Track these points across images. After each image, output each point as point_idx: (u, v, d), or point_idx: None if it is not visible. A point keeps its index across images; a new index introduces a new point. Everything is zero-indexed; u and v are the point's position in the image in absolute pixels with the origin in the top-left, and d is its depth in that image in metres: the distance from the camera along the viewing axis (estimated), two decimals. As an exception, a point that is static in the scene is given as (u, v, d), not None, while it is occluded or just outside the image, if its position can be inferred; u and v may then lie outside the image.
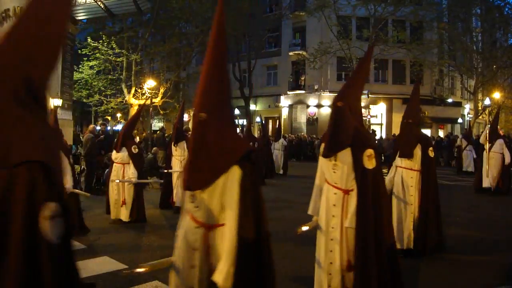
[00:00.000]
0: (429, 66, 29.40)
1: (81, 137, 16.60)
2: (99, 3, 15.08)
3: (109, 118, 33.95)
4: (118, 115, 36.12)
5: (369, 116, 28.73)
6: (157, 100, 23.86)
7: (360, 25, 29.98)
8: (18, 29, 1.82)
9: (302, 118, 32.65)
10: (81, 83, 26.90)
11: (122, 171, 7.71)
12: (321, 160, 3.75)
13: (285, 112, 33.27)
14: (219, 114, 2.44)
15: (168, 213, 8.72)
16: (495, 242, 6.73)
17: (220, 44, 2.50)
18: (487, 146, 11.46)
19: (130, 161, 7.65)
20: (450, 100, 33.08)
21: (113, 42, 23.15)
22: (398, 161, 5.79)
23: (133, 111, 23.73)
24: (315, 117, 31.88)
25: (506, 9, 29.81)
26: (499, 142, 11.51)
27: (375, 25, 27.76)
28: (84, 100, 28.51)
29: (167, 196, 9.20)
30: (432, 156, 5.65)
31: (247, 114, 32.27)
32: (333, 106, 3.70)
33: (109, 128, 34.66)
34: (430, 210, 5.57)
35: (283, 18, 32.16)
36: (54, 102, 15.01)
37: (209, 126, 2.41)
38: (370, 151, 3.48)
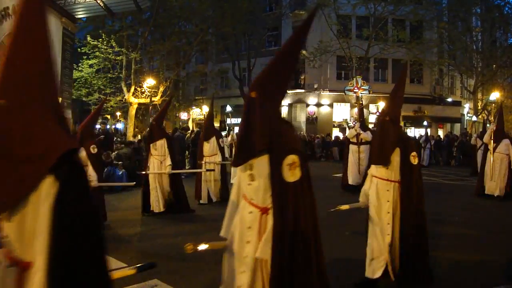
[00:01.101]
0: (429, 65, 29.43)
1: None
2: (98, 1, 15.03)
3: (108, 116, 33.95)
4: (118, 113, 36.11)
5: (378, 113, 27.86)
6: (157, 99, 23.83)
7: (360, 24, 29.96)
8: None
9: (301, 117, 32.65)
10: (80, 82, 26.84)
11: None
12: (238, 170, 2.94)
13: (284, 111, 33.25)
14: (28, 99, 1.70)
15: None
16: (495, 241, 6.73)
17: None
18: (491, 146, 10.55)
19: (89, 163, 6.78)
20: (449, 100, 33.09)
21: (112, 40, 23.11)
22: (373, 169, 4.63)
23: (132, 109, 23.74)
24: (314, 116, 31.89)
25: (506, 9, 29.81)
26: (505, 142, 10.50)
27: (375, 24, 27.76)
28: (84, 99, 28.44)
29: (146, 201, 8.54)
30: (416, 164, 4.40)
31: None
32: (247, 97, 2.77)
33: (108, 126, 34.69)
34: (411, 232, 4.36)
35: (283, 17, 32.13)
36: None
37: (12, 117, 1.66)
38: (292, 158, 2.59)
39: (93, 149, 6.96)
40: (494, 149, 10.52)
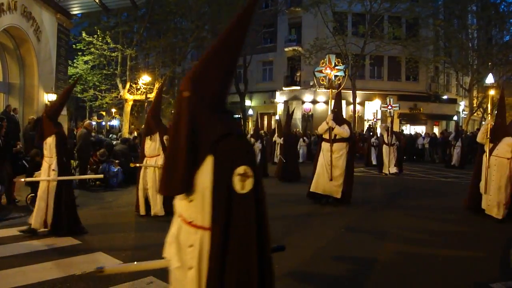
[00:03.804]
0: (425, 62, 29.52)
1: (75, 132, 16.49)
2: (93, -3, 14.93)
3: (103, 113, 33.81)
4: (113, 110, 35.98)
5: (390, 107, 24.53)
6: (152, 96, 23.74)
7: (356, 21, 30.01)
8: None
9: (297, 114, 32.62)
10: (75, 78, 26.71)
11: None
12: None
13: (280, 108, 33.24)
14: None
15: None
16: (490, 238, 6.76)
17: None
18: (487, 147, 7.97)
19: None
20: (445, 97, 33.20)
21: (108, 36, 22.99)
22: (176, 202, 2.21)
23: (128, 106, 23.63)
24: (310, 113, 31.91)
25: (502, 7, 29.95)
26: (506, 142, 7.75)
27: (371, 21, 27.79)
28: (79, 95, 28.32)
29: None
30: (245, 191, 1.83)
31: (242, 110, 32.23)
32: None
33: (103, 123, 34.57)
34: None
35: (279, 14, 32.13)
36: (49, 97, 14.90)
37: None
38: None
39: None
40: (491, 150, 7.93)
